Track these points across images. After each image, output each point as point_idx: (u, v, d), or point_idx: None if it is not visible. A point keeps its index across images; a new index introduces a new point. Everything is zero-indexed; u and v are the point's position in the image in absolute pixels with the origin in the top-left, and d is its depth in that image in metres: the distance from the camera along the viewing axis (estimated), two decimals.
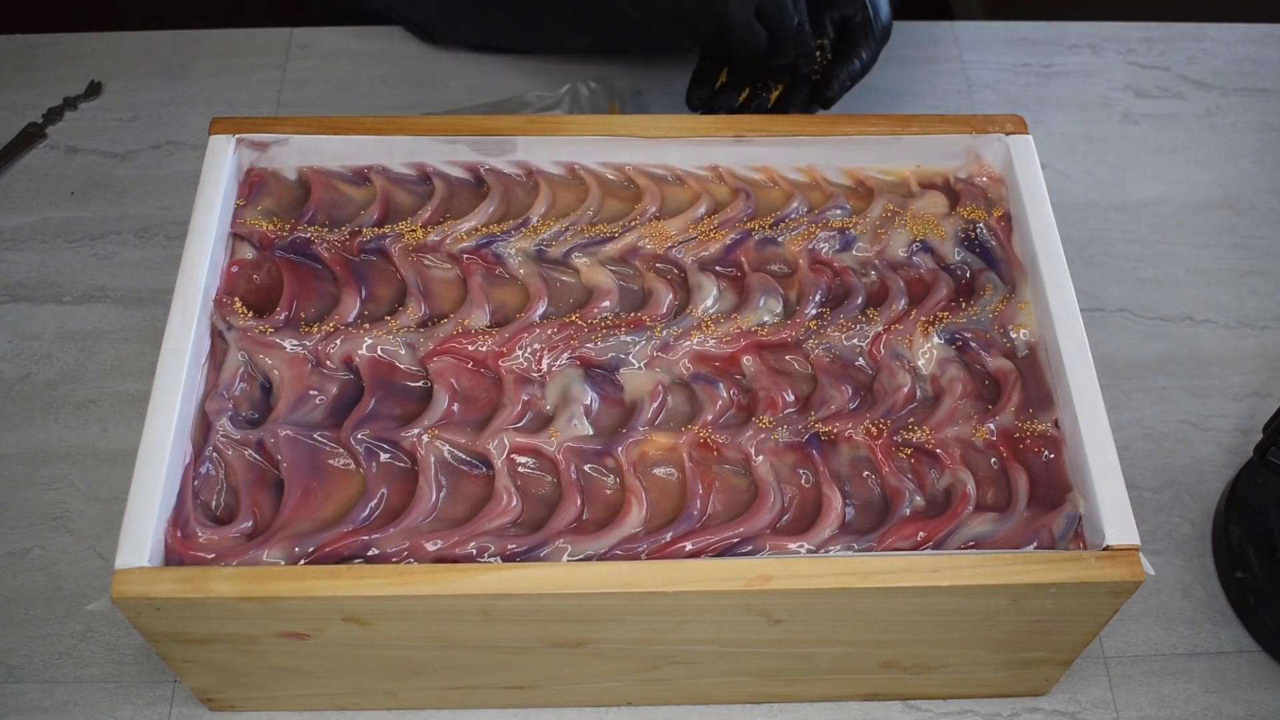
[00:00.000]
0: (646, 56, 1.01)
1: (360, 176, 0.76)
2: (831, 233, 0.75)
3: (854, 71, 0.84)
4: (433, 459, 0.65)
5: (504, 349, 0.69)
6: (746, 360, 0.70)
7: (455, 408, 0.68)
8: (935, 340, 0.71)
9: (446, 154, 0.76)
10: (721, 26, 0.79)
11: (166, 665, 0.71)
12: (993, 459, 0.68)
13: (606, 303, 0.72)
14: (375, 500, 0.64)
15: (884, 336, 0.71)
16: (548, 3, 0.97)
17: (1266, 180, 0.98)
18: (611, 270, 0.73)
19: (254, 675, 0.67)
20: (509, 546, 0.63)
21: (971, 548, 0.64)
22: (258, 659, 0.65)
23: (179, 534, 0.62)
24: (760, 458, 0.66)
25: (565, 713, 0.72)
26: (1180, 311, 0.91)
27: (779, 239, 0.74)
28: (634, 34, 0.97)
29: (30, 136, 0.96)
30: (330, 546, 0.62)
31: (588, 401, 0.68)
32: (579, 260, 0.73)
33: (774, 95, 0.86)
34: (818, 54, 0.85)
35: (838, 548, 0.63)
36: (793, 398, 0.69)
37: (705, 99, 0.87)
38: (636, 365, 0.70)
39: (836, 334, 0.71)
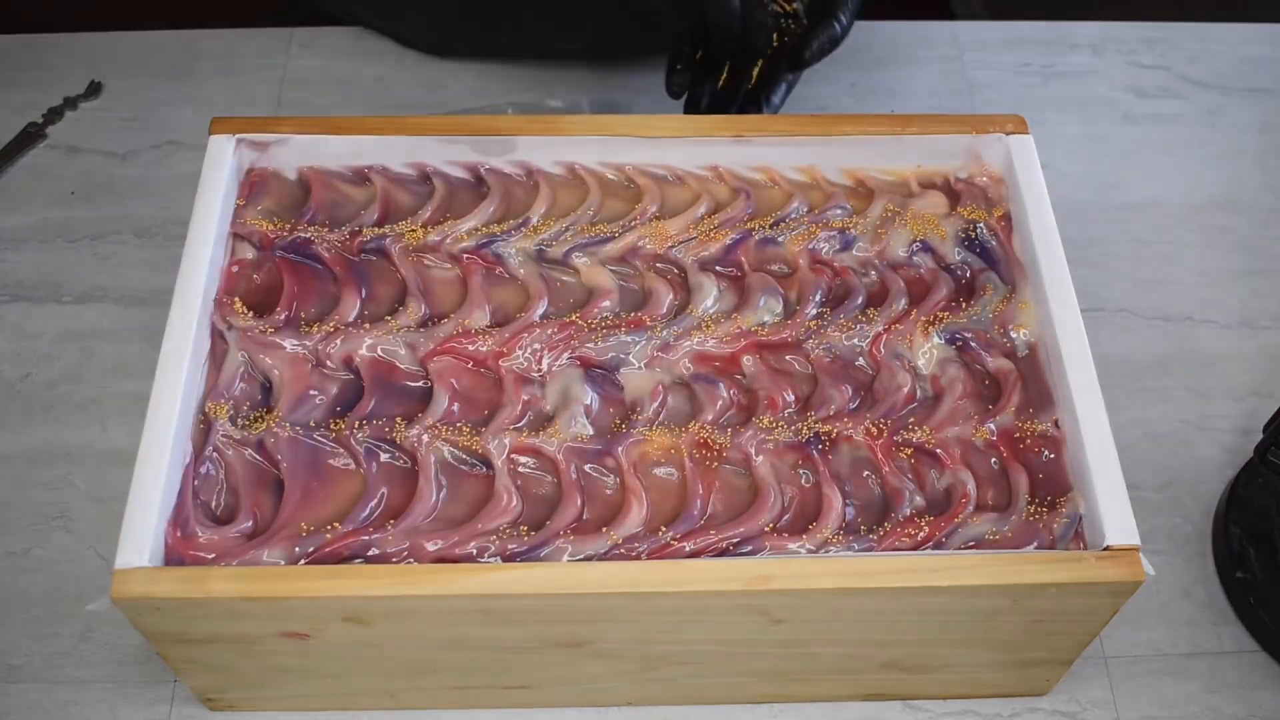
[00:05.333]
0: (637, 60, 1.01)
1: (360, 176, 0.76)
2: (832, 233, 0.75)
3: (834, 35, 0.81)
4: (433, 459, 0.65)
5: (504, 349, 0.69)
6: (747, 360, 0.70)
7: (455, 408, 0.68)
8: (935, 340, 0.71)
9: (446, 154, 0.76)
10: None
11: (166, 665, 0.71)
12: (993, 459, 0.68)
13: (606, 303, 0.72)
14: (375, 500, 0.64)
15: (884, 336, 0.71)
16: (539, 15, 0.97)
17: (1267, 180, 0.98)
18: (612, 270, 0.73)
19: (254, 675, 0.67)
20: (509, 546, 0.63)
21: (972, 548, 0.64)
22: (258, 659, 0.65)
23: (179, 534, 0.62)
24: (760, 458, 0.66)
25: (565, 713, 0.72)
26: (1181, 311, 0.91)
27: (779, 239, 0.74)
28: (624, 38, 0.96)
29: (30, 136, 0.96)
30: (330, 546, 0.62)
31: (588, 401, 0.68)
32: (579, 260, 0.73)
33: (755, 71, 0.84)
34: (790, 22, 0.82)
35: (838, 548, 0.63)
36: (793, 398, 0.69)
37: (683, 84, 0.84)
38: (637, 365, 0.70)
39: (837, 334, 0.71)
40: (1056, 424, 0.68)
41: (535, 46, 0.99)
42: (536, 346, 0.69)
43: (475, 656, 0.66)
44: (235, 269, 0.72)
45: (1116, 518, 0.63)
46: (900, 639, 0.66)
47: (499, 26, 0.98)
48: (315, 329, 0.69)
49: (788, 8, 0.82)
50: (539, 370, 0.69)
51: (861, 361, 0.71)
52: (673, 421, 0.68)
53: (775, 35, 0.83)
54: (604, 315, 0.71)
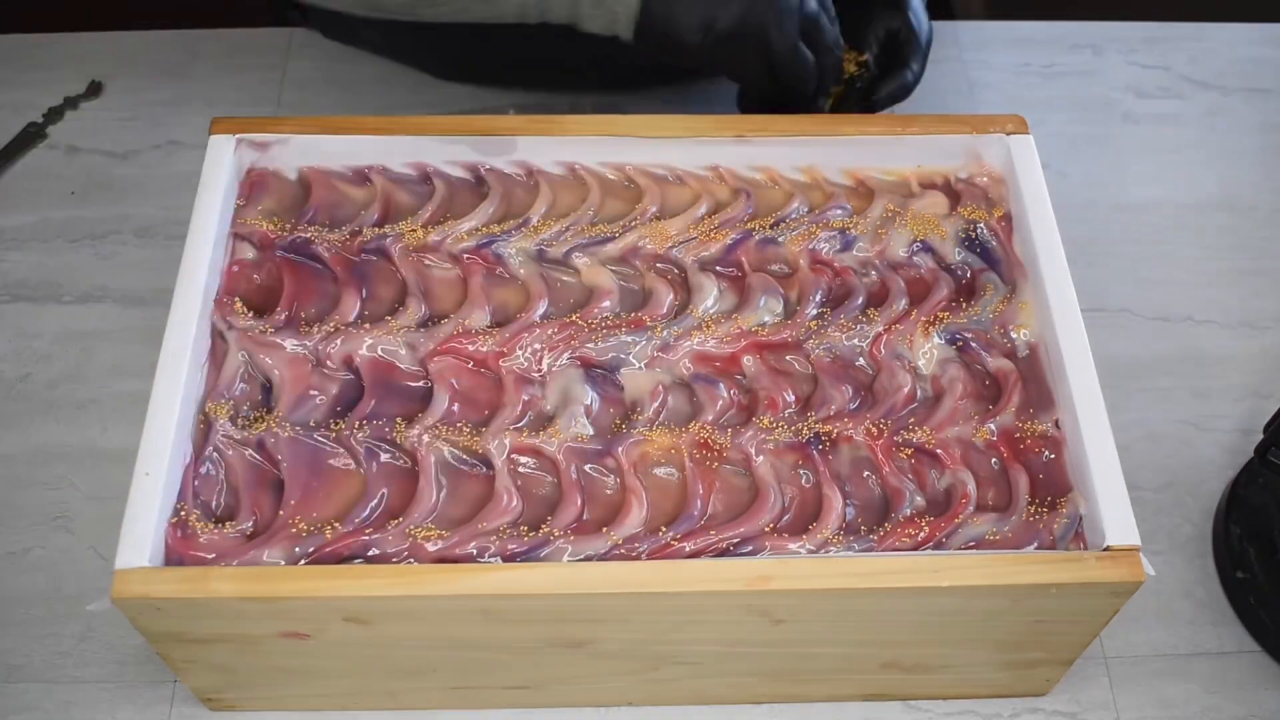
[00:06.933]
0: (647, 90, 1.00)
1: (360, 176, 0.76)
2: (832, 233, 0.75)
3: (905, 84, 0.83)
4: (433, 459, 0.65)
5: (504, 349, 0.69)
6: (747, 360, 0.70)
7: (455, 408, 0.68)
8: (936, 340, 0.71)
9: (446, 154, 0.76)
10: (766, 56, 0.76)
11: (167, 665, 0.71)
12: (993, 459, 0.68)
13: (607, 303, 0.72)
14: (375, 500, 0.64)
15: (884, 336, 0.71)
16: (546, 72, 0.96)
17: (1267, 180, 0.98)
18: (612, 270, 0.73)
19: (254, 675, 0.67)
20: (509, 547, 0.63)
21: (972, 548, 0.64)
22: (258, 659, 0.65)
23: (179, 534, 0.62)
24: (760, 458, 0.66)
25: (566, 713, 0.72)
26: (1181, 312, 0.91)
27: (779, 239, 0.74)
28: (636, 78, 0.96)
29: (31, 136, 0.96)
30: (330, 547, 0.62)
31: (588, 401, 0.68)
32: (579, 260, 0.73)
33: (829, 104, 0.85)
34: (862, 69, 0.84)
35: (838, 548, 0.63)
36: (793, 398, 0.69)
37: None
38: (637, 365, 0.70)
39: (837, 334, 0.71)
40: (1057, 424, 0.68)
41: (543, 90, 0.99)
42: (537, 346, 0.69)
43: (476, 656, 0.66)
44: (235, 269, 0.71)
45: (1117, 518, 0.63)
46: (900, 639, 0.66)
47: (503, 82, 0.98)
48: (315, 329, 0.69)
49: (859, 58, 0.84)
50: (539, 370, 0.69)
51: (862, 362, 0.71)
52: (673, 422, 0.68)
53: (845, 82, 0.84)
54: (604, 315, 0.71)
